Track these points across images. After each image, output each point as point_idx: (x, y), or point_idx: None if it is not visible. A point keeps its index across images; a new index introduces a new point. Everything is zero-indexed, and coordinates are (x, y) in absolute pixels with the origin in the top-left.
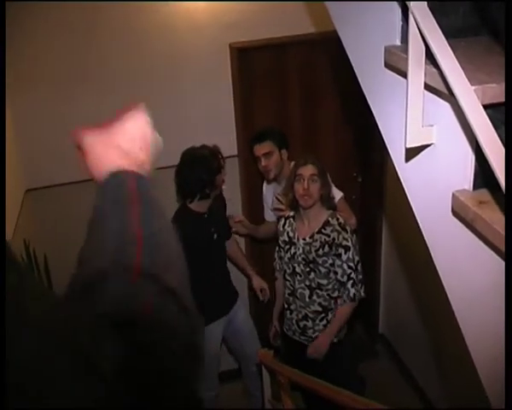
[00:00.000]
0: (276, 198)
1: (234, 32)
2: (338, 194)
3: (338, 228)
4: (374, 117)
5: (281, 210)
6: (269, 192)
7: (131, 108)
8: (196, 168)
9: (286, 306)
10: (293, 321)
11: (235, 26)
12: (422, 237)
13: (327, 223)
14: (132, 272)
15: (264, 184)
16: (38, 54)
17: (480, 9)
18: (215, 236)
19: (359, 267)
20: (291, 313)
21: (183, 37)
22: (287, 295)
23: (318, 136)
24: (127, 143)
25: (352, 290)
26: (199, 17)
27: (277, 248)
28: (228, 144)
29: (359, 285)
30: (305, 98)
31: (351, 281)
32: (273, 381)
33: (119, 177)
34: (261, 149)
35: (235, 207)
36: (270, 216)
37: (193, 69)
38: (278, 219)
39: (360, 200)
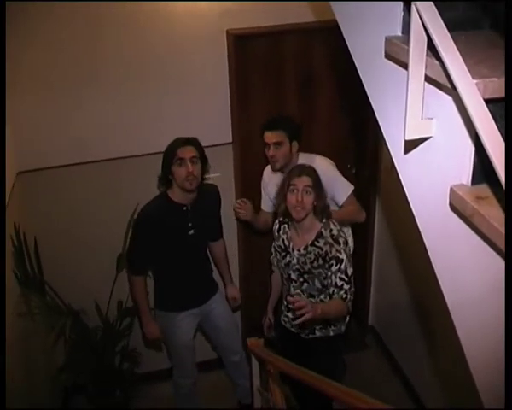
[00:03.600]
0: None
1: (231, 18)
2: (349, 188)
3: (330, 241)
4: (369, 108)
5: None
6: (271, 181)
7: None
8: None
9: (285, 303)
10: (291, 318)
11: (232, 13)
12: (415, 230)
13: (320, 235)
14: None
15: (266, 172)
16: (37, 51)
17: (482, 2)
18: (191, 231)
19: (352, 280)
20: (288, 311)
21: (181, 23)
22: (285, 294)
23: (313, 125)
24: None
25: (343, 294)
26: (197, 3)
27: (273, 243)
28: (223, 131)
29: (351, 297)
30: (301, 87)
31: (342, 291)
32: (262, 370)
33: None
34: (272, 137)
35: (228, 195)
36: (268, 207)
37: (190, 56)
38: (275, 212)
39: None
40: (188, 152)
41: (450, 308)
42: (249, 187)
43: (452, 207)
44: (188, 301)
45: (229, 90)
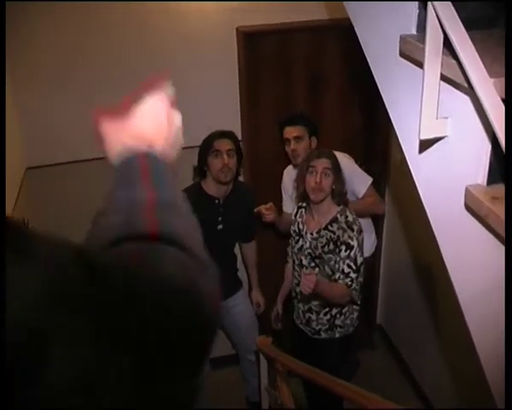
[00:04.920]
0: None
1: (241, 15)
2: (368, 179)
3: (344, 226)
4: (380, 106)
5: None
6: (291, 181)
7: (152, 83)
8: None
9: (294, 294)
10: (300, 311)
11: (242, 10)
12: (425, 228)
13: (334, 220)
14: (148, 236)
15: (286, 173)
16: (46, 48)
17: (496, 1)
18: (220, 226)
19: (361, 270)
20: (298, 303)
21: (190, 20)
22: (294, 285)
23: (323, 123)
24: (141, 125)
25: (348, 282)
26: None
27: (291, 236)
28: (232, 129)
29: (356, 286)
30: (311, 85)
31: (348, 278)
32: (270, 368)
33: (128, 158)
34: (293, 131)
35: None
36: (289, 208)
37: (199, 53)
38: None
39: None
40: (224, 144)
41: (462, 308)
42: (258, 184)
43: (467, 208)
44: None
45: (239, 87)
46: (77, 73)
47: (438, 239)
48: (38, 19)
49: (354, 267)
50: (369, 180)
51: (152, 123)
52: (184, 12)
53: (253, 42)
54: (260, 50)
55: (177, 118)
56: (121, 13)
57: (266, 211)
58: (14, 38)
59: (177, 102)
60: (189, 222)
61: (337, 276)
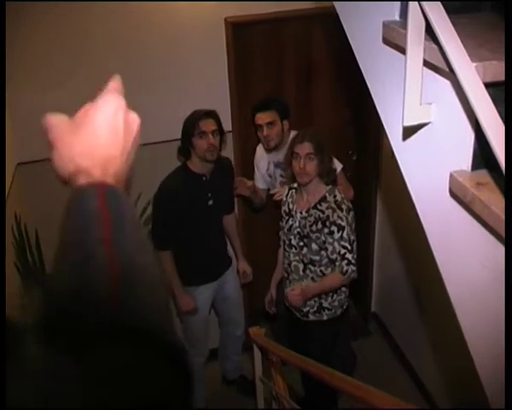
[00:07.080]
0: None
1: (229, 6)
2: (337, 166)
3: (333, 206)
4: (370, 94)
5: (279, 194)
6: (264, 159)
7: (105, 89)
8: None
9: (286, 275)
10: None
11: (230, 1)
12: (417, 217)
13: (323, 199)
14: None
15: (259, 150)
16: (37, 43)
17: None
18: (210, 202)
19: (355, 247)
20: (290, 284)
21: (179, 10)
22: (285, 266)
23: (313, 112)
24: (93, 139)
25: (345, 266)
26: None
27: (281, 217)
28: (222, 120)
29: (353, 265)
30: (301, 74)
31: (345, 261)
32: (264, 359)
33: (83, 195)
34: (264, 117)
35: None
36: (260, 183)
37: (188, 43)
38: (269, 188)
39: (355, 178)
40: (209, 125)
41: (450, 295)
42: (249, 173)
43: (452, 194)
44: (207, 274)
45: (228, 78)
46: (69, 69)
47: (424, 225)
48: (38, 19)
49: (349, 247)
50: (339, 166)
51: (105, 139)
52: (172, 4)
53: (241, 32)
54: (249, 40)
55: (135, 120)
56: (116, 11)
57: (237, 184)
58: (12, 37)
59: (168, 94)
60: (155, 285)
61: (333, 257)
